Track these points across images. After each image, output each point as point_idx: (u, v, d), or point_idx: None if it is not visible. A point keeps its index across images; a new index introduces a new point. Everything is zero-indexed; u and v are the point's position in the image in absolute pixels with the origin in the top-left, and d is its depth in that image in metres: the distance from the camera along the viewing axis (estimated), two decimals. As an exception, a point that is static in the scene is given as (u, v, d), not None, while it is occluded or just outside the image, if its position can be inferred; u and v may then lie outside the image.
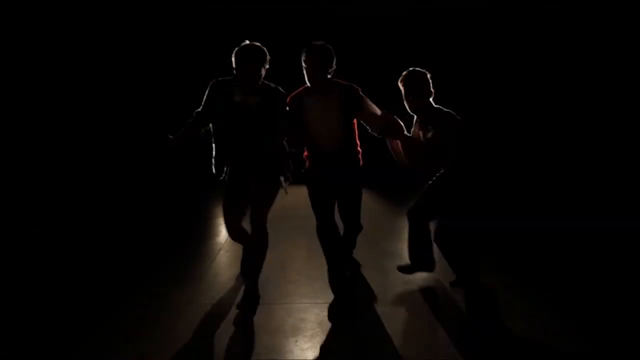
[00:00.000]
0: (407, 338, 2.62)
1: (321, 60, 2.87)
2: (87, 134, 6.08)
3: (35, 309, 2.98)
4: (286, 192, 3.04)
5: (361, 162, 3.14)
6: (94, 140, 6.09)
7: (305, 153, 3.14)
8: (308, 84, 2.99)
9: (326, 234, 3.12)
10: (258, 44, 2.83)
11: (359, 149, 3.13)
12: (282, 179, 2.99)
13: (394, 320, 2.81)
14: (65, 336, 2.66)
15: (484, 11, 6.29)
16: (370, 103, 3.03)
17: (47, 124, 5.78)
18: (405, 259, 3.80)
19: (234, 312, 2.90)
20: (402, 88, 3.02)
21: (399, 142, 3.02)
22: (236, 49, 2.81)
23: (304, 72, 2.95)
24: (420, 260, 3.24)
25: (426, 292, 3.21)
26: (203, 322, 2.77)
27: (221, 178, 3.00)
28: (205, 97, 2.93)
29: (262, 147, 2.89)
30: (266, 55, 2.83)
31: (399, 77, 3.03)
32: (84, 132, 6.06)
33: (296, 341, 2.60)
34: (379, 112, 3.00)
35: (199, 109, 2.95)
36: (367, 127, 3.05)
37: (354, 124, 3.06)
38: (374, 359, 2.45)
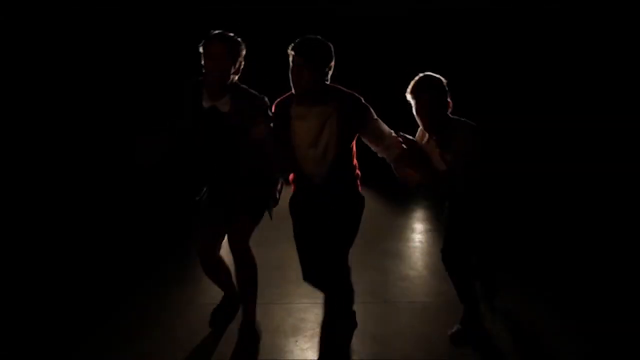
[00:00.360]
0: (408, 338, 2.62)
1: (317, 60, 2.18)
2: (87, 133, 6.08)
3: (36, 309, 2.98)
4: (271, 218, 2.57)
5: (360, 188, 2.46)
6: (93, 140, 6.09)
7: (291, 176, 2.48)
8: (293, 90, 2.26)
9: (319, 284, 2.43)
10: (231, 33, 2.33)
11: (357, 172, 2.45)
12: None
13: (394, 320, 2.81)
14: (65, 336, 2.66)
15: (484, 11, 6.30)
16: (378, 120, 2.37)
17: (48, 124, 5.79)
18: (405, 258, 3.82)
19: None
20: (412, 100, 2.35)
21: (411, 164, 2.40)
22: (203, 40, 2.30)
23: (290, 74, 2.22)
24: (473, 325, 2.60)
25: (426, 292, 3.22)
26: (203, 322, 2.76)
27: (198, 198, 2.61)
28: (173, 105, 2.47)
29: (240, 169, 2.40)
30: (239, 48, 2.32)
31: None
32: (84, 132, 6.06)
33: (296, 341, 2.60)
34: (387, 130, 2.38)
35: (167, 128, 2.46)
36: (376, 151, 2.44)
37: (352, 143, 2.39)
38: (374, 359, 2.45)
